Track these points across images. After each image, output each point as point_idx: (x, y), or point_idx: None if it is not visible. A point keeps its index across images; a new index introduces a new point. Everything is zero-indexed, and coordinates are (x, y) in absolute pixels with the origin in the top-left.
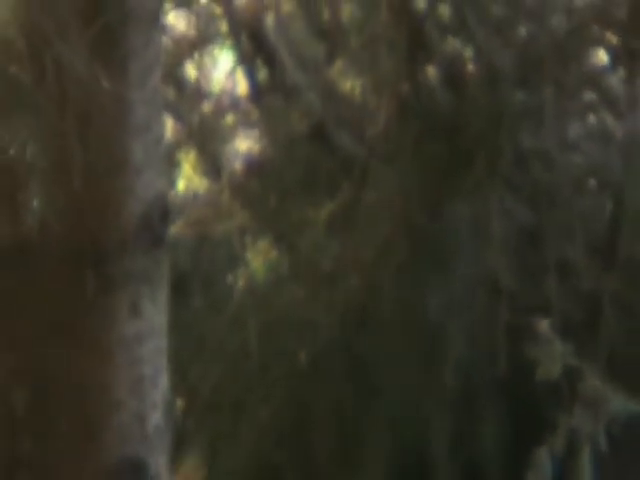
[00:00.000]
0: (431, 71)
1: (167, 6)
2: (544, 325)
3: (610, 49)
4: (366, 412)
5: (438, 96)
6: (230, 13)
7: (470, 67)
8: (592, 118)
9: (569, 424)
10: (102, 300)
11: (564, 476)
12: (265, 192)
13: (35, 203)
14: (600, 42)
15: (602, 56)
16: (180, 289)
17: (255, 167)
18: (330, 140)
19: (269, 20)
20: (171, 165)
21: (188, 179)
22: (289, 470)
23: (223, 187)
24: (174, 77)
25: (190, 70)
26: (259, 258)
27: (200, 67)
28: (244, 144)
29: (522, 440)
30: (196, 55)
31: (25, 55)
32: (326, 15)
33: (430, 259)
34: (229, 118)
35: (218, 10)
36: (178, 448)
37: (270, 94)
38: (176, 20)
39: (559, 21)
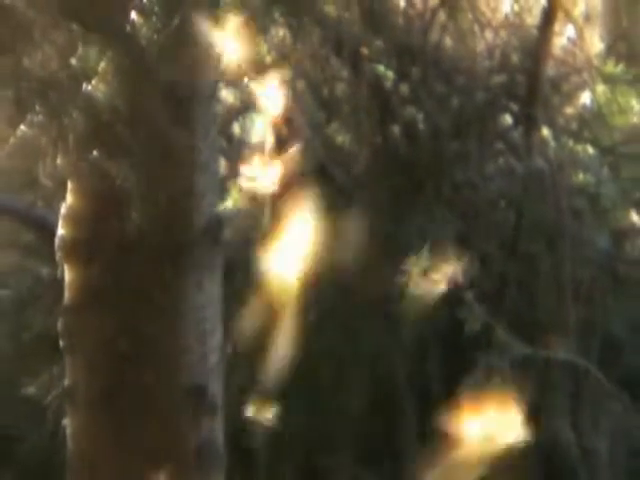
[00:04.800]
0: (395, 129)
1: (221, 85)
2: (469, 295)
3: (513, 114)
4: (350, 353)
5: (400, 145)
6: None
7: (421, 126)
8: (502, 160)
9: (486, 362)
10: (177, 281)
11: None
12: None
13: (133, 217)
14: (506, 109)
15: (508, 119)
16: (229, 273)
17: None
18: (328, 174)
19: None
20: (224, 191)
21: (235, 201)
22: (300, 389)
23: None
24: (226, 132)
25: (236, 128)
26: None
27: (243, 126)
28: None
29: (456, 374)
30: (240, 118)
31: (127, 118)
32: (326, 92)
33: (394, 253)
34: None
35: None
36: (228, 377)
37: (288, 144)
38: (227, 95)
39: (480, 95)
